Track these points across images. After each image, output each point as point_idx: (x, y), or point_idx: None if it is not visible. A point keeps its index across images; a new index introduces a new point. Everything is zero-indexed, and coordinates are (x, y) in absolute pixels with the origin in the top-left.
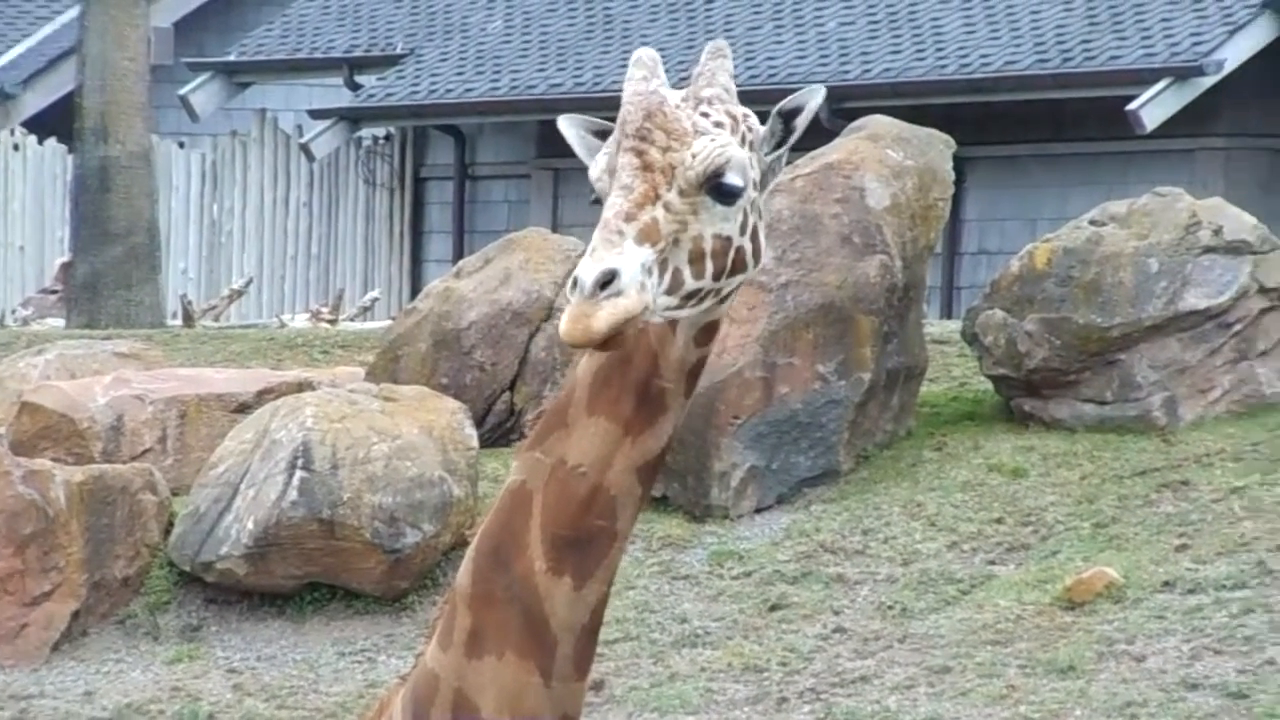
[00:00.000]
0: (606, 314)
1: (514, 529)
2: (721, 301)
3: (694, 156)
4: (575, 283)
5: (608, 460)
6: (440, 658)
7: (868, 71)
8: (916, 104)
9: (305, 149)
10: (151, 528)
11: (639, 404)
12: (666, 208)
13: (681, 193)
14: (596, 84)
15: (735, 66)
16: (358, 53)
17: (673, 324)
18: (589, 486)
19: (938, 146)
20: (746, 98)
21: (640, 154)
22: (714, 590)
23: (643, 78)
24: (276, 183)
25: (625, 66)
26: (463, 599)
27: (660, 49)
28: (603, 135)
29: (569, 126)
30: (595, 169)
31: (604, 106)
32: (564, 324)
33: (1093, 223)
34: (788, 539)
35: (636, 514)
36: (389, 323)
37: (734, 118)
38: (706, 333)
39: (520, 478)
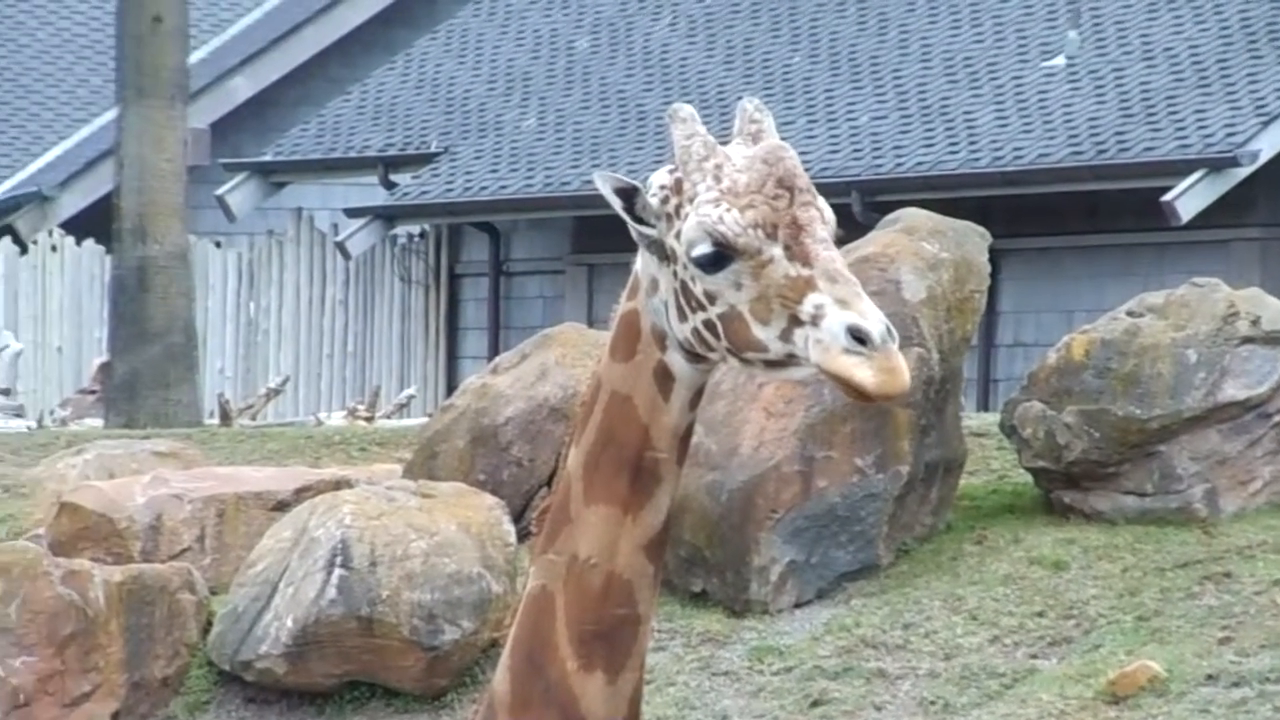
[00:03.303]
0: (904, 362)
1: (542, 633)
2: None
3: (825, 213)
4: (863, 336)
5: (614, 546)
6: None
7: (901, 165)
8: (950, 197)
9: (341, 247)
10: (190, 627)
11: (633, 481)
12: None
13: None
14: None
15: None
16: (392, 151)
17: (665, 388)
18: (603, 576)
19: (973, 238)
20: None
21: (818, 210)
22: (754, 686)
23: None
24: (313, 281)
25: (659, 162)
26: (501, 705)
27: None
28: (624, 194)
29: (605, 183)
30: (739, 224)
31: None
32: (877, 376)
33: (1130, 314)
34: (828, 634)
35: (654, 594)
36: (425, 420)
37: None
38: (699, 395)
39: (540, 582)
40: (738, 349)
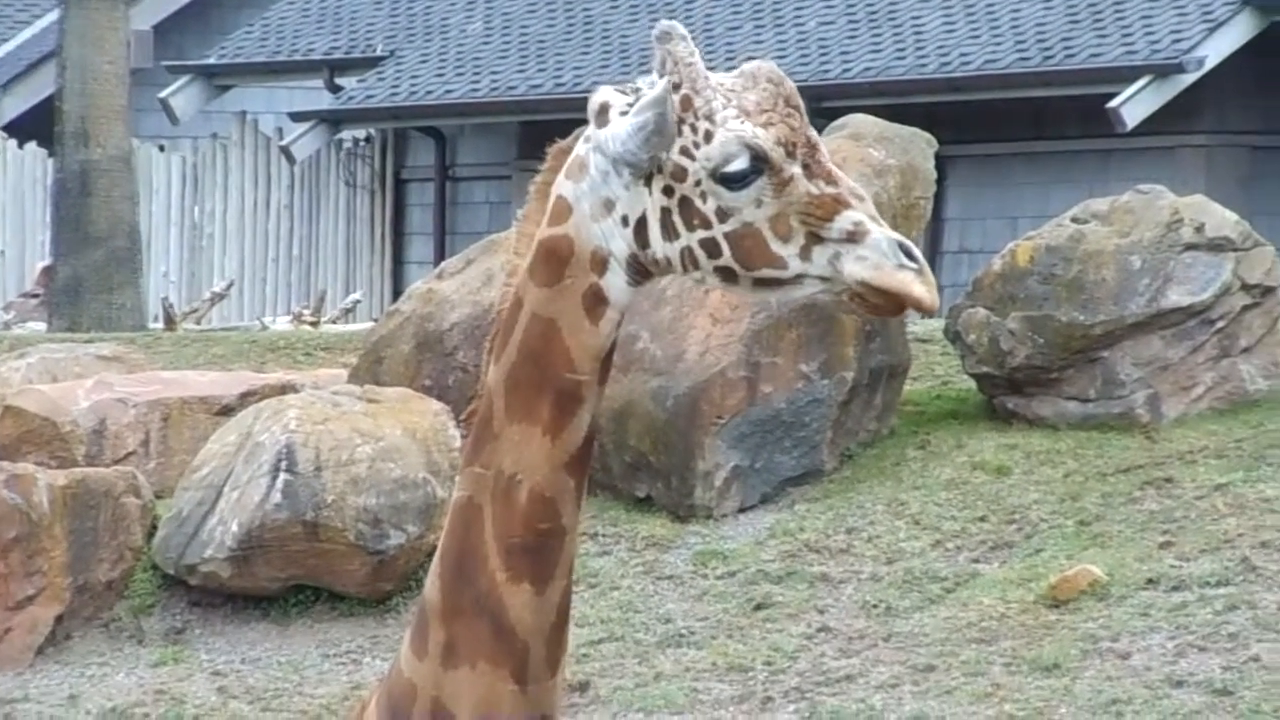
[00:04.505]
0: None
1: (471, 544)
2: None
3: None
4: (910, 252)
5: (535, 464)
6: (416, 666)
7: (848, 70)
8: (897, 103)
9: (286, 151)
10: (135, 531)
11: (554, 402)
12: None
13: None
14: (576, 84)
15: (716, 67)
16: (338, 55)
17: (594, 312)
18: (526, 493)
19: (920, 145)
20: None
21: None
22: (698, 590)
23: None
24: (257, 185)
25: (605, 68)
26: (433, 613)
27: (641, 50)
28: (600, 108)
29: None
30: (769, 139)
31: (583, 108)
32: (925, 291)
33: (1075, 220)
34: (772, 538)
35: (579, 506)
36: (371, 325)
37: None
38: (624, 317)
39: (467, 493)
40: (749, 266)
